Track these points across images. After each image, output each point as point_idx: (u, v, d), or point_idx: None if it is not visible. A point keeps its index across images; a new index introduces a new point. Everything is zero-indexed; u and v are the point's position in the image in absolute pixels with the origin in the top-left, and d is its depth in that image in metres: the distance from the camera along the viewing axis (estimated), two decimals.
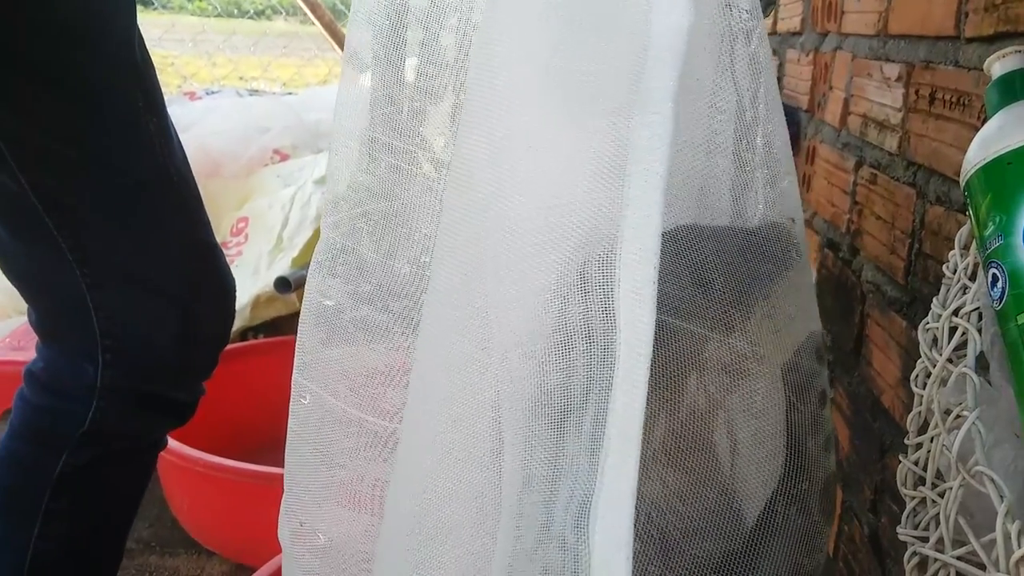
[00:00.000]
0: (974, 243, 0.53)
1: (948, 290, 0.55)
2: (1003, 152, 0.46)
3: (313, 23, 2.65)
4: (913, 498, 0.53)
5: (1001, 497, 0.43)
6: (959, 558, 0.46)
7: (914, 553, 0.51)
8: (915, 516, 0.53)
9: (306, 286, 0.70)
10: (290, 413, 0.70)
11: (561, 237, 0.44)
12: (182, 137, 0.99)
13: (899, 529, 0.54)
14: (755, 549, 0.48)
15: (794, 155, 1.35)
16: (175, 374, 0.97)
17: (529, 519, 0.43)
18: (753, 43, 0.50)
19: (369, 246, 0.68)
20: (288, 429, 0.71)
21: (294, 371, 0.70)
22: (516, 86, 0.49)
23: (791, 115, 1.36)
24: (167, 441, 1.06)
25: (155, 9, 5.17)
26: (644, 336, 0.40)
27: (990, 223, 0.46)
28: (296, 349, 0.70)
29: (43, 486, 0.93)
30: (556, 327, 0.43)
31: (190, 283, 0.95)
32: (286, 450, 0.71)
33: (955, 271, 0.54)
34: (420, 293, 0.67)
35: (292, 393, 0.70)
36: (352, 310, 0.69)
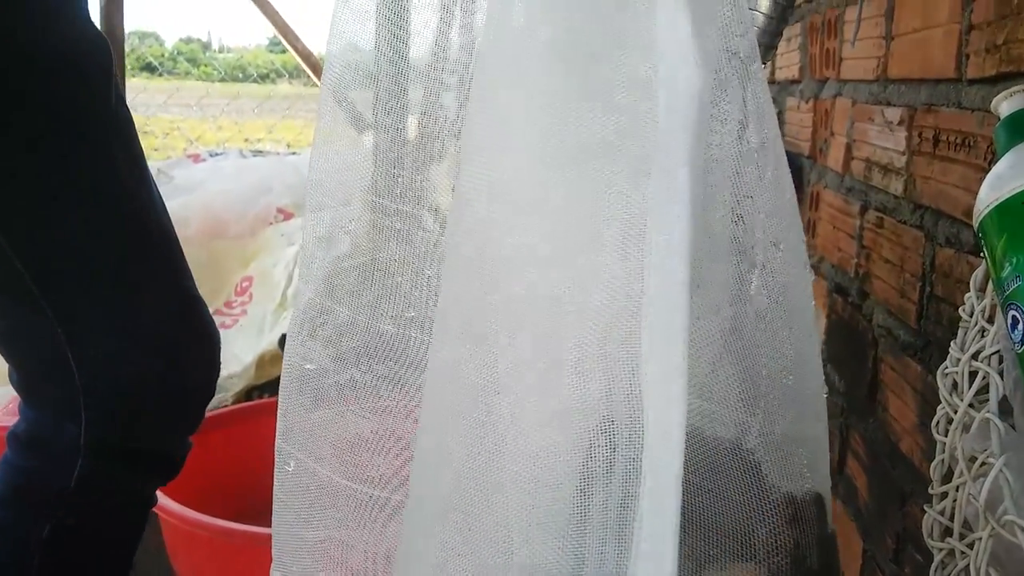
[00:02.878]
0: (990, 285, 0.52)
1: (966, 333, 0.54)
2: (1017, 191, 0.45)
3: (316, 84, 2.68)
4: (940, 550, 0.51)
5: None
6: None
7: None
8: (943, 568, 0.51)
9: (285, 350, 0.69)
10: (275, 480, 0.69)
11: (579, 310, 0.42)
12: (187, 198, 0.99)
13: None
14: None
15: (798, 202, 1.35)
16: (159, 428, 0.95)
17: None
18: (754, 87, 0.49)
19: (349, 304, 0.68)
20: (273, 496, 0.69)
21: (277, 437, 0.68)
22: (518, 150, 0.48)
23: (792, 161, 1.36)
24: (156, 498, 1.04)
25: (160, 75, 5.25)
26: (676, 427, 0.37)
27: (1007, 264, 0.45)
28: (278, 414, 0.68)
29: (33, 549, 0.91)
30: (576, 407, 0.41)
31: (172, 335, 0.94)
32: (272, 518, 0.70)
33: (972, 314, 0.53)
34: (405, 352, 0.66)
35: (276, 459, 0.68)
36: (335, 373, 0.68)
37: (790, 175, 0.55)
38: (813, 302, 0.53)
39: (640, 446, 0.37)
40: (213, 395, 1.02)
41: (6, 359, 0.95)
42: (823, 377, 0.54)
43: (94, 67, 0.88)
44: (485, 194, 0.49)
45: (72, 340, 0.89)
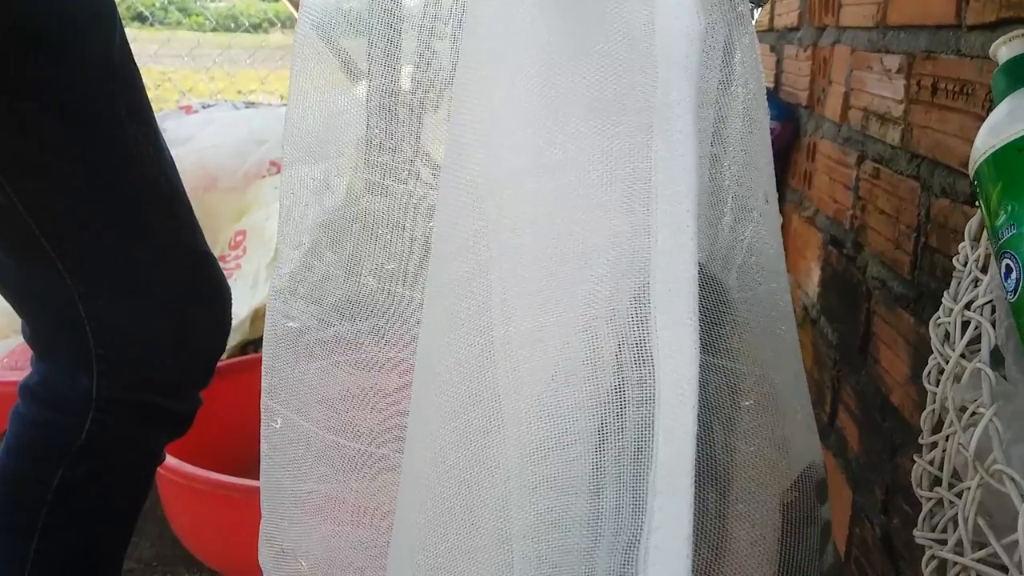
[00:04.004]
0: (985, 234, 0.51)
1: (959, 283, 0.53)
2: (1013, 138, 0.44)
3: None
4: (929, 499, 0.51)
5: (1022, 496, 0.41)
6: (980, 560, 0.44)
7: (932, 556, 0.49)
8: (932, 518, 0.51)
9: (267, 308, 0.68)
10: (262, 438, 0.69)
11: (584, 268, 0.41)
12: (179, 151, 0.98)
13: (916, 532, 0.52)
14: None
15: (794, 152, 1.34)
16: (171, 384, 0.96)
17: (565, 568, 0.40)
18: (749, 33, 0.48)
19: (330, 259, 0.67)
20: (261, 454, 0.69)
21: (262, 394, 0.68)
22: (514, 104, 0.46)
23: (789, 111, 1.34)
24: (165, 455, 1.04)
25: (151, 25, 5.17)
26: (688, 377, 0.36)
27: (1002, 212, 0.45)
28: (263, 371, 0.68)
29: (40, 501, 0.92)
30: (586, 365, 0.40)
31: (184, 291, 0.94)
32: (261, 476, 0.70)
33: (965, 263, 0.53)
34: (388, 306, 0.66)
35: (262, 417, 0.68)
36: (318, 330, 0.67)
37: (767, 130, 0.54)
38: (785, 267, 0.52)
39: (652, 402, 0.37)
40: (224, 350, 1.02)
41: (19, 314, 0.96)
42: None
43: (96, 20, 0.86)
44: (480, 149, 0.48)
45: (84, 295, 0.89)
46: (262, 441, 0.69)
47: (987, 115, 0.50)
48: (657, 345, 0.36)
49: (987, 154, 0.46)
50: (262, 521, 0.71)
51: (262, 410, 0.69)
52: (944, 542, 0.49)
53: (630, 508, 0.37)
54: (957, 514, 0.47)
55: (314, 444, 0.68)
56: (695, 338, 0.36)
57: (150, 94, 0.97)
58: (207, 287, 0.97)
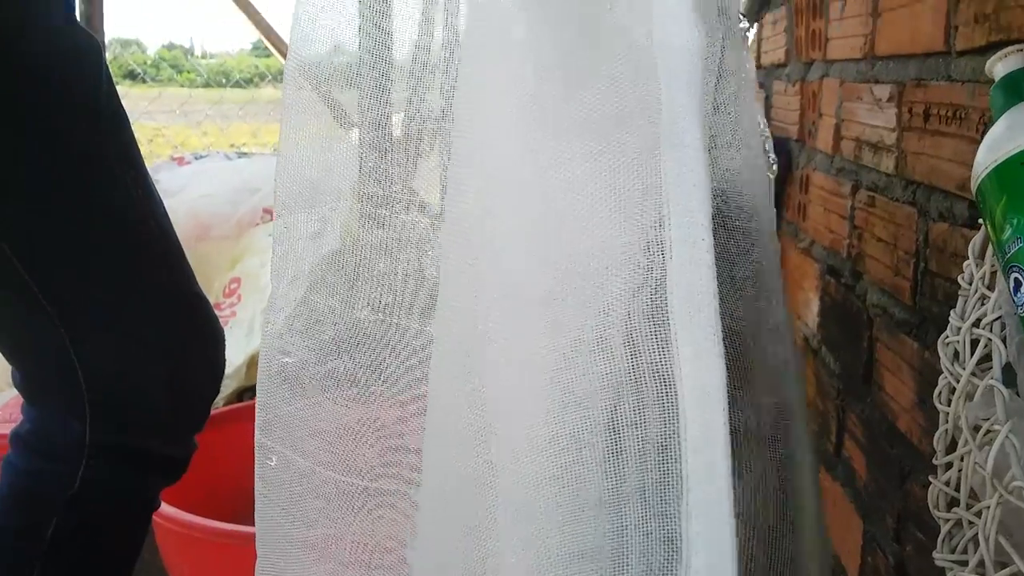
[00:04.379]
0: (990, 251, 0.51)
1: (965, 301, 0.53)
2: (1014, 152, 0.44)
3: None
4: (947, 520, 0.50)
5: None
6: None
7: None
8: (951, 539, 0.50)
9: (262, 344, 0.68)
10: (256, 477, 0.68)
11: (598, 288, 0.40)
12: (171, 202, 0.98)
13: (935, 554, 0.51)
14: None
15: (787, 185, 1.34)
16: (165, 428, 0.95)
17: None
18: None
19: (326, 293, 0.67)
20: (255, 493, 0.68)
21: (256, 432, 0.67)
22: (510, 128, 0.46)
23: (780, 145, 1.35)
24: (160, 501, 1.03)
25: (143, 82, 5.22)
26: (716, 396, 0.36)
27: (1007, 226, 0.44)
28: (257, 409, 0.67)
29: (35, 552, 0.90)
30: (602, 386, 0.40)
31: (176, 334, 0.93)
32: (256, 516, 0.68)
33: (971, 281, 0.52)
34: (384, 340, 0.65)
35: (256, 455, 0.67)
36: (315, 364, 0.67)
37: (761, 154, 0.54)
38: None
39: (675, 422, 0.36)
40: (218, 393, 1.01)
41: (9, 360, 0.95)
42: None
43: (83, 68, 0.87)
44: (484, 180, 0.48)
45: (75, 340, 0.88)
46: (256, 480, 0.68)
47: (982, 138, 0.50)
48: (679, 363, 0.36)
49: (989, 169, 0.46)
50: (257, 562, 0.69)
51: (256, 448, 0.68)
52: (965, 563, 0.48)
53: (659, 534, 0.36)
54: (977, 534, 0.46)
55: (311, 481, 0.67)
56: (719, 351, 0.35)
57: (143, 149, 0.97)
58: (200, 329, 0.96)
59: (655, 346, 0.38)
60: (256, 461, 0.68)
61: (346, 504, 0.67)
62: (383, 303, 0.66)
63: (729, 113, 0.51)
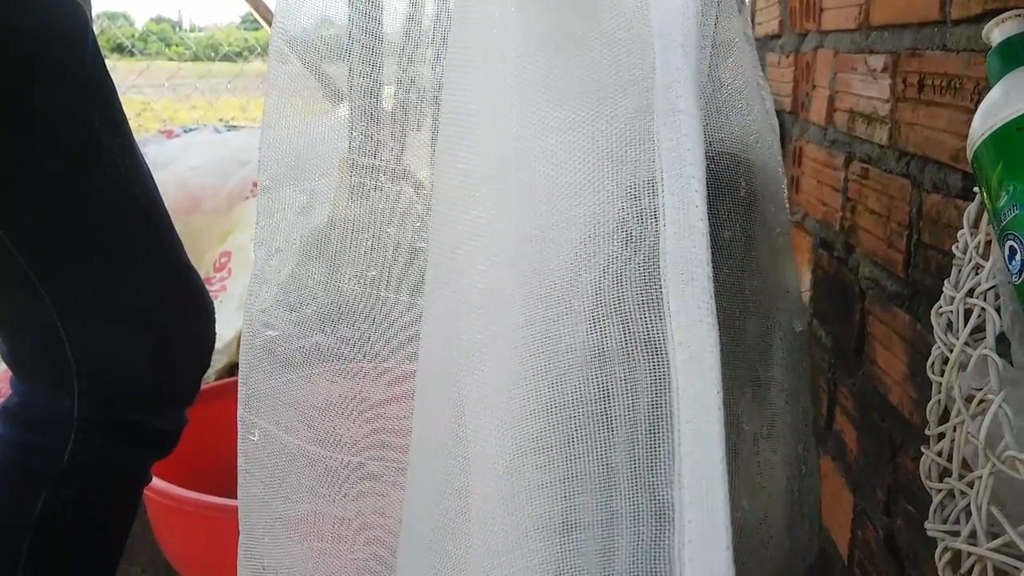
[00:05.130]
0: (984, 219, 0.51)
1: (959, 271, 0.52)
2: (1011, 118, 0.44)
3: None
4: (939, 491, 0.50)
5: None
6: (995, 550, 0.43)
7: (946, 548, 0.48)
8: (943, 510, 0.50)
9: (244, 317, 0.67)
10: (239, 452, 0.67)
11: (590, 256, 0.40)
12: (161, 175, 0.97)
13: (927, 524, 0.51)
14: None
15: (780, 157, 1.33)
16: (154, 402, 0.94)
17: (580, 572, 0.38)
18: None
19: (311, 267, 0.66)
20: (238, 469, 0.67)
21: (239, 406, 0.67)
22: (499, 94, 0.46)
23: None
24: (151, 475, 1.02)
25: (131, 55, 5.16)
26: (709, 363, 0.35)
27: (1003, 193, 0.44)
28: (239, 383, 0.67)
29: (25, 526, 0.89)
30: (591, 355, 0.39)
31: (165, 306, 0.92)
32: (238, 491, 0.68)
33: (965, 251, 0.52)
34: (370, 313, 0.64)
35: (239, 430, 0.67)
36: (299, 338, 0.66)
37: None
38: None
39: (668, 391, 0.35)
40: (208, 366, 1.01)
41: None
42: None
43: (68, 35, 0.85)
44: (472, 150, 0.47)
45: (63, 314, 0.87)
46: (239, 455, 0.67)
47: (978, 104, 0.49)
48: (671, 332, 0.35)
49: (985, 136, 0.45)
50: (240, 537, 0.69)
51: (239, 422, 0.67)
52: (957, 533, 0.48)
53: (649, 504, 0.35)
54: (969, 504, 0.46)
55: (294, 457, 0.67)
56: (712, 321, 0.35)
57: (132, 123, 0.96)
58: (189, 301, 0.95)
59: (647, 315, 0.38)
60: (239, 436, 0.68)
61: (329, 480, 0.67)
62: (370, 277, 0.65)
63: (728, 82, 0.51)
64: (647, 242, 0.36)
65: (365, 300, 0.64)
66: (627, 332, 0.37)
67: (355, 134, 0.69)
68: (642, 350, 0.36)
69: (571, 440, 0.38)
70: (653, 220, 0.36)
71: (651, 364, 0.36)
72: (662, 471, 0.35)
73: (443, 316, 0.47)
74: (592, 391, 0.38)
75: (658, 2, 0.37)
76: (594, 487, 0.37)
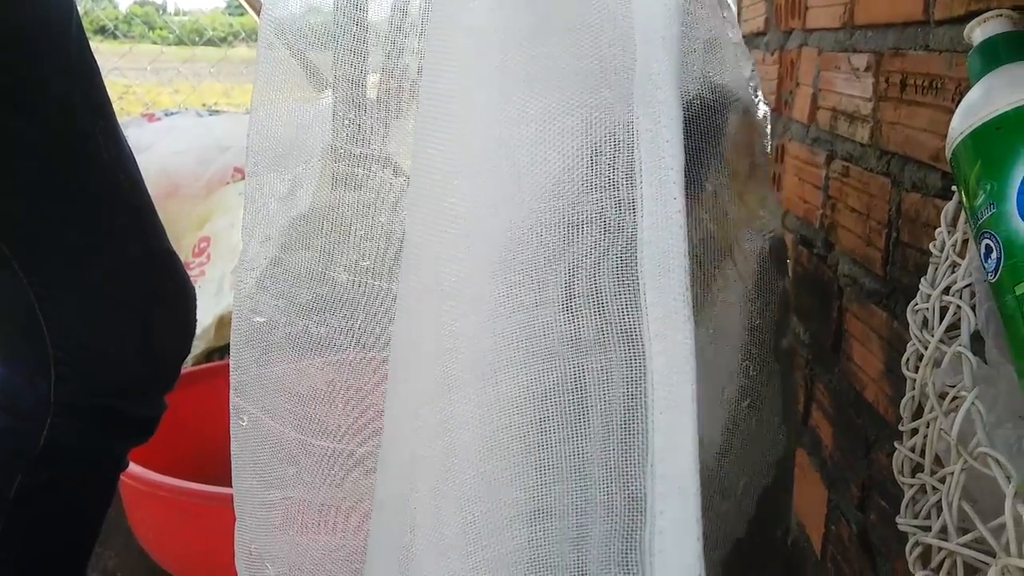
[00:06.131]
0: (962, 218, 0.51)
1: (936, 269, 0.53)
2: (991, 117, 0.44)
3: None
4: (911, 486, 0.51)
5: (1008, 478, 0.41)
6: (965, 545, 0.44)
7: (916, 543, 0.49)
8: (915, 505, 0.51)
9: (234, 302, 0.67)
10: (231, 437, 0.67)
11: (566, 245, 0.39)
12: (141, 158, 0.96)
13: (898, 519, 0.51)
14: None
15: None
16: (133, 387, 0.93)
17: (552, 560, 0.38)
18: None
19: (301, 255, 0.66)
20: (231, 454, 0.67)
21: (231, 392, 0.67)
22: (477, 81, 0.45)
23: None
24: (128, 462, 1.02)
25: (114, 37, 5.11)
26: (684, 355, 0.35)
27: (980, 192, 0.44)
28: (230, 369, 0.67)
29: None
30: (566, 345, 0.39)
31: (146, 291, 0.92)
32: (232, 477, 0.68)
33: (943, 248, 0.52)
34: (360, 302, 0.64)
35: (231, 415, 0.67)
36: (287, 325, 0.66)
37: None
38: None
39: (643, 381, 0.35)
40: (188, 352, 1.00)
41: None
42: None
43: (52, 17, 0.84)
44: (449, 137, 0.47)
45: (41, 297, 0.86)
46: (231, 440, 0.67)
47: (959, 102, 0.49)
48: (647, 323, 0.35)
49: (964, 134, 0.46)
50: (236, 523, 0.69)
51: (231, 408, 0.67)
52: (928, 528, 0.48)
53: (622, 494, 0.35)
54: (941, 500, 0.46)
55: (281, 443, 0.67)
56: (688, 313, 0.35)
57: (115, 106, 0.95)
58: (170, 287, 0.94)
59: (624, 305, 0.38)
60: (231, 421, 0.67)
61: (315, 467, 0.67)
62: (362, 267, 0.65)
63: (713, 73, 0.51)
64: (625, 233, 0.36)
65: (356, 288, 0.64)
66: (603, 322, 0.37)
67: (343, 123, 0.69)
68: (618, 340, 0.36)
69: (546, 429, 0.38)
70: (631, 211, 0.36)
71: (627, 354, 0.36)
72: (636, 461, 0.35)
73: (417, 304, 0.46)
74: (567, 380, 0.38)
75: (641, 4, 0.37)
76: (568, 476, 0.37)
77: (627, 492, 0.35)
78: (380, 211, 0.66)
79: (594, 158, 0.38)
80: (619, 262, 0.36)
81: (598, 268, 0.37)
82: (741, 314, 0.50)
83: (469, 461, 0.39)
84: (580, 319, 0.37)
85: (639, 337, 0.35)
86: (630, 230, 0.36)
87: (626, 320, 0.36)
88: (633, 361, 0.36)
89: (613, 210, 0.37)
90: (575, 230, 0.38)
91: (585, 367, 0.37)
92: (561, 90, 0.40)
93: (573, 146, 0.39)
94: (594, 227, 0.37)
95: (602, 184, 0.37)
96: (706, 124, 0.48)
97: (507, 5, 0.45)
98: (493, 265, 0.40)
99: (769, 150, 0.57)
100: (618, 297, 0.36)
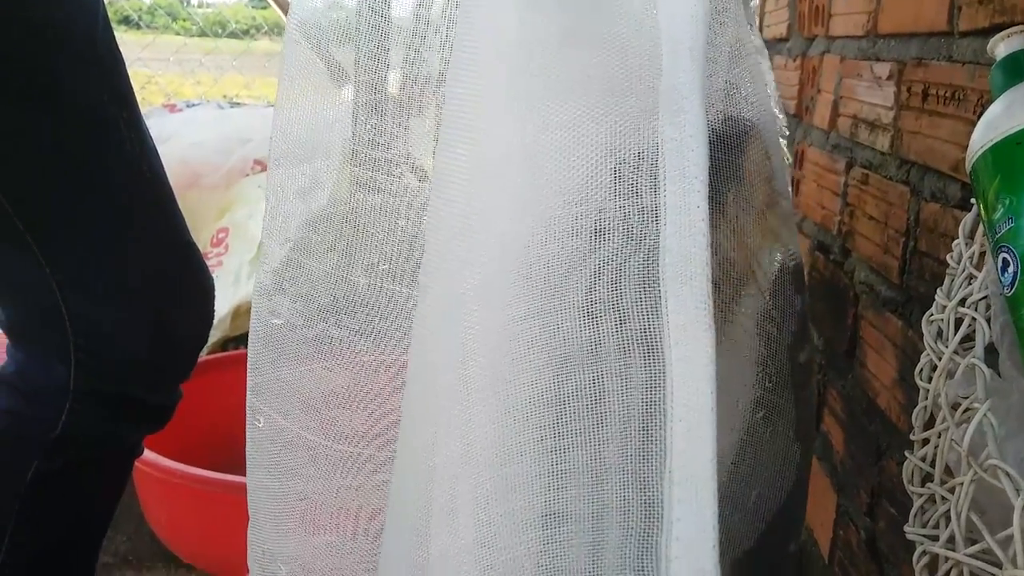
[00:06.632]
0: (980, 230, 0.51)
1: (952, 280, 0.53)
2: (1011, 132, 0.44)
3: None
4: (920, 495, 0.51)
5: (1017, 491, 0.41)
6: (972, 556, 0.44)
7: (924, 552, 0.49)
8: (923, 514, 0.51)
9: (253, 303, 0.67)
10: (247, 437, 0.68)
11: (589, 251, 0.40)
12: (162, 148, 0.97)
13: (907, 528, 0.52)
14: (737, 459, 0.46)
15: None
16: (151, 376, 0.94)
17: (567, 564, 0.39)
18: None
19: (320, 257, 0.66)
20: (246, 453, 0.68)
21: (247, 393, 0.67)
22: (502, 87, 0.46)
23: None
24: (143, 448, 1.03)
25: (138, 28, 5.14)
26: (704, 363, 0.35)
27: (999, 206, 0.44)
28: (248, 370, 0.67)
29: (14, 493, 0.90)
30: (586, 350, 0.39)
31: (165, 281, 0.93)
32: (247, 475, 0.68)
33: (960, 260, 0.53)
34: (378, 305, 0.65)
35: (247, 416, 0.67)
36: (304, 328, 0.66)
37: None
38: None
39: (661, 389, 0.36)
40: (206, 342, 1.01)
41: None
42: None
43: (80, 11, 0.85)
44: (473, 142, 0.47)
45: (63, 284, 0.87)
46: (247, 440, 0.68)
47: (981, 115, 0.50)
48: (667, 330, 0.36)
49: (985, 148, 0.46)
50: (249, 522, 0.69)
51: (247, 409, 0.68)
52: (936, 538, 0.48)
53: (639, 499, 0.36)
54: (949, 510, 0.46)
55: (296, 446, 0.67)
56: (709, 321, 0.35)
57: (136, 96, 0.96)
58: (190, 277, 0.96)
59: (644, 312, 0.38)
60: (247, 421, 0.68)
61: (331, 470, 0.67)
62: (379, 270, 0.65)
63: (737, 86, 0.51)
64: (647, 240, 0.37)
65: (375, 291, 0.65)
66: (623, 328, 0.37)
67: (364, 121, 0.69)
68: (638, 347, 0.37)
69: (564, 433, 0.38)
70: (654, 219, 0.36)
71: (646, 361, 0.36)
72: (653, 467, 0.35)
73: (438, 308, 0.47)
74: (587, 386, 0.38)
75: (667, 5, 0.38)
76: (585, 480, 0.38)
77: (644, 498, 0.36)
78: (400, 215, 0.67)
79: (618, 166, 0.39)
80: (641, 269, 0.37)
81: (620, 275, 0.37)
82: (758, 327, 0.51)
83: (487, 463, 0.40)
84: (601, 325, 0.38)
85: (659, 344, 0.36)
86: (653, 238, 0.36)
87: (647, 327, 0.36)
88: (653, 367, 0.36)
89: (636, 217, 0.37)
90: (598, 237, 0.39)
91: (605, 373, 0.38)
92: (587, 98, 0.40)
93: (598, 154, 0.39)
94: (617, 234, 0.38)
95: (626, 192, 0.38)
96: (728, 148, 0.48)
97: (537, 14, 0.45)
98: (515, 271, 0.41)
99: (788, 160, 0.57)
100: (639, 304, 0.37)
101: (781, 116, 0.53)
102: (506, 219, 0.44)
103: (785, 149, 0.57)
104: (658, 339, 0.36)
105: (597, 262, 0.39)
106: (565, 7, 0.45)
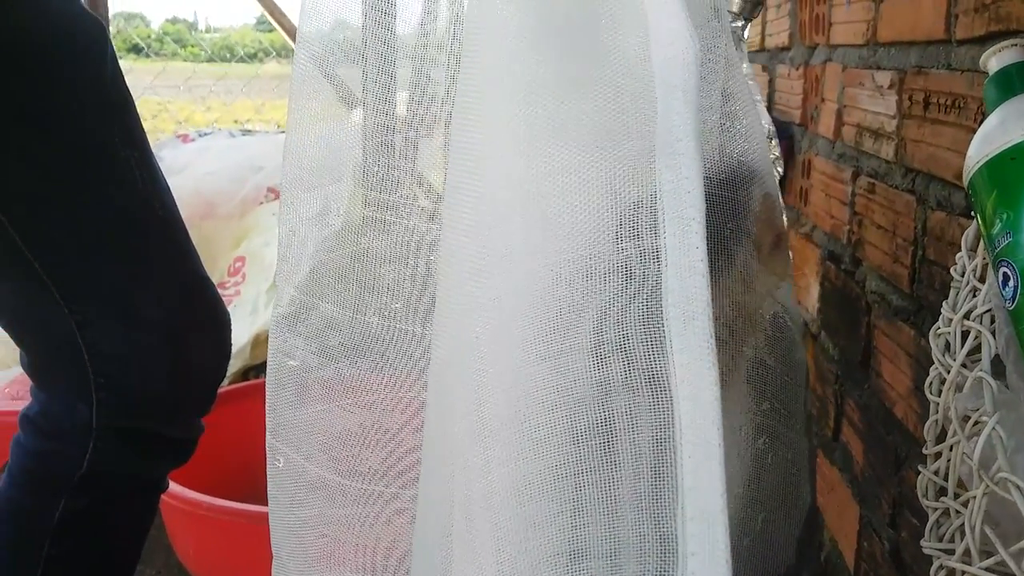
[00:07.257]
0: (981, 243, 0.52)
1: (957, 293, 0.53)
2: (1006, 147, 0.45)
3: None
4: (935, 509, 0.51)
5: None
6: (988, 569, 0.44)
7: (940, 567, 0.49)
8: (939, 528, 0.51)
9: (269, 344, 0.68)
10: (267, 476, 0.68)
11: (593, 293, 0.41)
12: (176, 179, 0.99)
13: (923, 542, 0.52)
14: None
15: (789, 169, 1.35)
16: (171, 411, 0.96)
17: None
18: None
19: (333, 298, 0.67)
20: (268, 494, 0.69)
21: (267, 433, 0.68)
22: (505, 131, 0.47)
23: (784, 129, 1.35)
24: (168, 482, 1.04)
25: (147, 56, 5.20)
26: (710, 399, 0.36)
27: (997, 221, 0.45)
28: (266, 411, 0.68)
29: (43, 533, 0.91)
30: (595, 390, 0.40)
31: (182, 317, 0.94)
32: (269, 514, 0.69)
33: (963, 273, 0.53)
34: (391, 344, 0.65)
35: (267, 456, 0.68)
36: (319, 368, 0.67)
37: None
38: None
39: (671, 427, 0.37)
40: (224, 375, 1.02)
41: (17, 343, 0.95)
42: None
43: (89, 54, 0.87)
44: (476, 182, 0.48)
45: (81, 323, 0.89)
46: (268, 479, 0.69)
47: (982, 123, 0.50)
48: (673, 369, 0.37)
49: (980, 164, 0.46)
50: (273, 560, 0.70)
51: (267, 449, 0.69)
52: (952, 552, 0.49)
53: (653, 535, 0.37)
54: (964, 523, 0.47)
55: (315, 484, 0.68)
56: (713, 359, 0.36)
57: (146, 124, 0.97)
58: (205, 312, 0.97)
59: (650, 352, 0.39)
60: (267, 461, 0.69)
61: (349, 507, 0.68)
62: (392, 309, 0.66)
63: (732, 120, 0.52)
64: (650, 281, 0.38)
65: (388, 331, 0.65)
66: (630, 368, 0.38)
67: (369, 150, 0.70)
68: (645, 386, 0.37)
69: (579, 471, 0.39)
70: (655, 260, 0.37)
71: (654, 400, 0.37)
72: (666, 503, 0.36)
73: (452, 351, 0.48)
74: (598, 424, 0.39)
75: (659, 48, 0.39)
76: (602, 517, 0.39)
77: (658, 533, 0.36)
78: (409, 252, 0.67)
79: (618, 209, 0.40)
80: (644, 310, 0.38)
81: (624, 315, 0.38)
82: (756, 354, 0.51)
83: (507, 503, 0.41)
84: (609, 365, 0.39)
85: (666, 382, 0.37)
86: (655, 279, 0.37)
87: (653, 366, 0.37)
88: (661, 406, 0.37)
89: (638, 259, 0.38)
90: (602, 279, 0.39)
91: (615, 412, 0.38)
92: (586, 143, 0.41)
93: (598, 197, 0.40)
94: (619, 276, 0.39)
95: (626, 234, 0.39)
96: (733, 200, 0.49)
97: (533, 60, 0.46)
98: (523, 313, 0.41)
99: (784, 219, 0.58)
100: (644, 344, 0.38)
101: (775, 150, 0.54)
102: (513, 263, 0.44)
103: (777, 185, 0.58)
104: (664, 378, 0.37)
105: (602, 304, 0.39)
106: (564, 54, 0.46)
